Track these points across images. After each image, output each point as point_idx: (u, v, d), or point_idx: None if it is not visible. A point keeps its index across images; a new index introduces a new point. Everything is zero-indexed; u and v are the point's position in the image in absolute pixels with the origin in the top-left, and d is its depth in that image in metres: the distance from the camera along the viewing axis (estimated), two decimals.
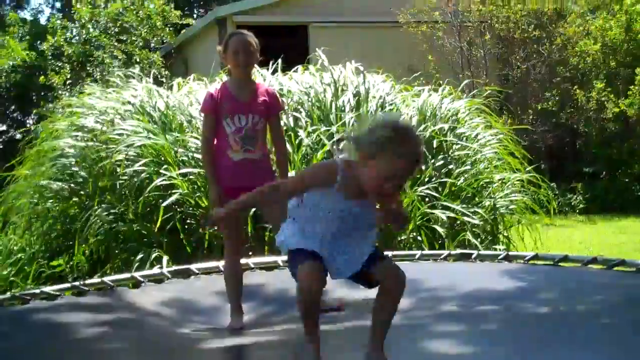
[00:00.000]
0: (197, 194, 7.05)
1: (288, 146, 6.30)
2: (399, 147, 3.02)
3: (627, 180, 14.00)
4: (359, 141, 3.07)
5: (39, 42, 18.75)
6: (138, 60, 16.15)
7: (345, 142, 3.21)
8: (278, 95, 4.86)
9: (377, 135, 3.01)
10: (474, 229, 7.14)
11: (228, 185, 4.54)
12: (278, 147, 4.79)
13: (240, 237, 4.86)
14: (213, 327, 4.58)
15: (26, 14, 31.38)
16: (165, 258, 6.72)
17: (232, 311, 4.61)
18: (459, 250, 6.16)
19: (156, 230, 6.93)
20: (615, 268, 5.35)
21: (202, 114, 4.84)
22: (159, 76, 15.14)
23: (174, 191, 6.99)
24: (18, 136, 17.57)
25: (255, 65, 8.36)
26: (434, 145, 7.79)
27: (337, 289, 4.86)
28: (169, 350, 4.15)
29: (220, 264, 5.64)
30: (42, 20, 26.46)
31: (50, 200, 8.13)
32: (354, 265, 3.25)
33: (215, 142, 4.63)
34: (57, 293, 5.20)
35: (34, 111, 16.95)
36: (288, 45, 14.05)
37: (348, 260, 3.25)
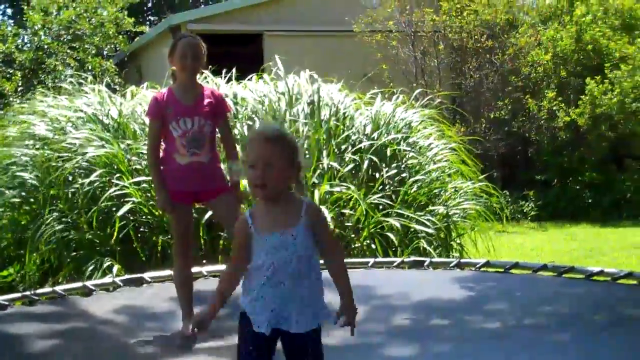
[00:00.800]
0: (151, 202, 7.00)
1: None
2: (250, 136, 3.12)
3: (577, 187, 14.21)
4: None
5: None
6: (91, 67, 16.01)
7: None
8: (224, 97, 4.84)
9: None
10: (427, 237, 7.19)
11: (176, 189, 4.53)
12: (227, 149, 4.76)
13: (190, 243, 4.83)
14: (165, 334, 4.55)
15: None
16: (116, 267, 6.66)
17: (184, 317, 4.59)
18: (412, 258, 6.19)
19: (113, 240, 6.87)
20: (565, 275, 5.44)
21: (148, 119, 4.82)
22: (112, 84, 15.04)
23: (127, 199, 6.94)
24: None
25: (209, 73, 8.43)
26: (388, 154, 7.84)
27: None
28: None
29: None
30: None
31: (1, 209, 8.01)
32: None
33: (163, 146, 4.61)
34: (7, 303, 5.12)
35: None
36: (243, 54, 14.05)
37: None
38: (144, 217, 7.03)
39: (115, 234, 6.77)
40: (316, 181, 7.26)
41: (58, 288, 5.41)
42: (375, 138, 7.88)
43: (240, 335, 3.01)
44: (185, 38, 4.65)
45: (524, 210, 13.51)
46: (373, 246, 6.95)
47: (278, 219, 2.94)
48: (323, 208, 6.78)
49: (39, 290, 5.48)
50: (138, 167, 7.33)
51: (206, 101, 4.60)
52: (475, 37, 15.17)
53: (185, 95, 4.60)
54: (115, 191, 6.96)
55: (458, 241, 7.82)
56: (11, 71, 16.42)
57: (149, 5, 28.82)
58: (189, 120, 4.52)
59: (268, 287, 2.93)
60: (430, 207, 7.67)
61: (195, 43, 4.60)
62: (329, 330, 4.41)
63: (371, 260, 5.88)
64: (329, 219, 6.65)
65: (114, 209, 6.99)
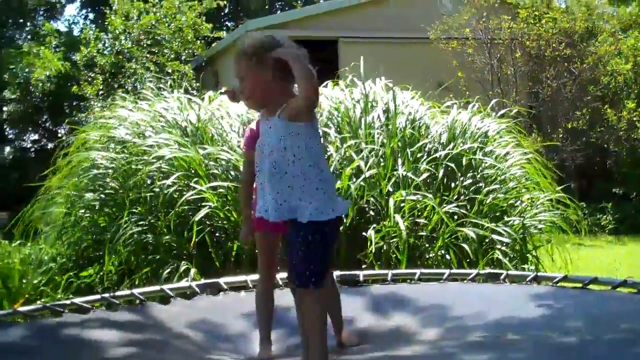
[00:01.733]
0: (227, 208, 7.09)
1: None
2: None
3: None
4: None
5: (72, 52, 18.98)
6: (170, 72, 16.30)
7: None
8: None
9: None
10: (503, 248, 7.11)
11: (260, 219, 4.45)
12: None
13: (275, 265, 4.80)
14: (241, 356, 4.55)
15: (61, 25, 31.78)
16: (192, 270, 6.75)
17: (261, 340, 4.50)
18: (487, 270, 6.12)
19: (191, 245, 6.97)
20: None
21: (244, 149, 4.80)
22: (189, 88, 15.27)
23: (204, 204, 7.04)
24: (50, 145, 17.76)
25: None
26: (463, 163, 7.78)
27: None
28: None
29: (249, 278, 5.67)
30: (76, 31, 26.72)
31: (82, 211, 8.22)
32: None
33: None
34: (88, 306, 5.22)
35: (66, 121, 17.14)
36: (318, 60, 14.07)
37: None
38: (219, 222, 7.12)
39: (194, 238, 6.86)
40: (391, 189, 7.25)
41: (136, 291, 5.49)
42: (451, 147, 7.83)
43: None
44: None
45: (602, 223, 13.24)
46: (448, 257, 6.91)
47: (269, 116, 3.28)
48: (397, 217, 6.78)
49: (118, 293, 5.58)
50: (215, 172, 7.42)
51: None
52: (554, 45, 14.96)
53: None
54: (192, 195, 7.07)
55: (534, 253, 7.71)
56: (92, 75, 16.83)
57: (226, 11, 29.17)
58: None
59: (259, 176, 3.34)
60: (506, 218, 7.59)
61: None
62: (400, 338, 4.43)
63: (446, 272, 5.83)
64: (402, 227, 6.64)
65: (191, 213, 7.09)
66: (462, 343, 4.41)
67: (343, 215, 3.21)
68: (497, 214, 7.60)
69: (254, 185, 4.36)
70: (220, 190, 7.19)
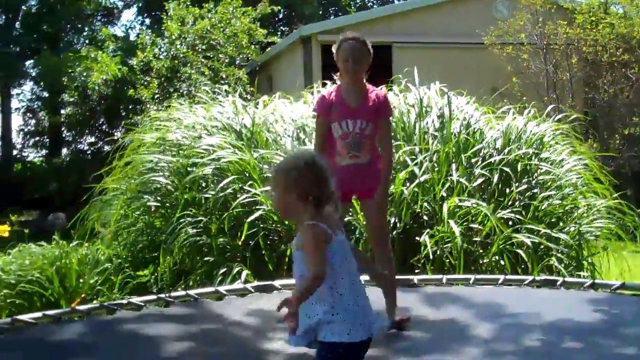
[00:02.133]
0: None
1: None
2: None
3: None
4: None
5: (129, 57, 19.25)
6: (224, 76, 16.43)
7: None
8: (388, 99, 4.78)
9: None
10: (558, 255, 7.02)
11: None
12: (384, 152, 4.69)
13: None
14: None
15: (118, 30, 32.22)
16: (245, 272, 6.80)
17: None
18: (543, 277, 6.06)
19: (241, 244, 7.03)
20: None
21: (314, 115, 4.88)
22: (243, 93, 15.39)
23: (257, 207, 7.08)
24: (106, 148, 18.03)
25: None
26: (518, 169, 7.71)
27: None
28: None
29: None
30: (132, 36, 27.10)
31: (137, 212, 8.33)
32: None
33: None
34: (143, 304, 5.31)
35: (122, 123, 17.40)
36: (371, 65, 14.07)
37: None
38: (273, 225, 7.15)
39: (243, 237, 6.90)
40: (445, 195, 7.22)
41: (191, 292, 5.57)
42: (506, 152, 7.77)
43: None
44: (348, 41, 4.63)
45: None
46: (502, 262, 6.85)
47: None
48: (451, 222, 6.74)
49: (173, 294, 5.65)
50: (269, 175, 7.46)
51: (369, 103, 4.60)
52: (611, 50, 14.72)
53: (350, 97, 4.63)
54: (246, 198, 7.12)
55: (590, 260, 7.61)
56: (148, 79, 17.06)
57: (280, 16, 29.33)
58: (350, 123, 4.56)
59: None
60: (562, 225, 7.50)
61: (357, 47, 4.61)
62: (456, 340, 4.42)
63: (501, 278, 5.79)
64: (456, 232, 6.60)
65: (245, 216, 7.14)
66: (516, 342, 4.39)
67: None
68: (553, 220, 7.51)
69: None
70: None
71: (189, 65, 16.74)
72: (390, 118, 4.94)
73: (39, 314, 5.04)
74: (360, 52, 4.60)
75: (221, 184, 7.30)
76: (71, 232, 8.84)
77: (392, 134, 5.55)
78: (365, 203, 4.78)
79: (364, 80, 4.70)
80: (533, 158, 7.94)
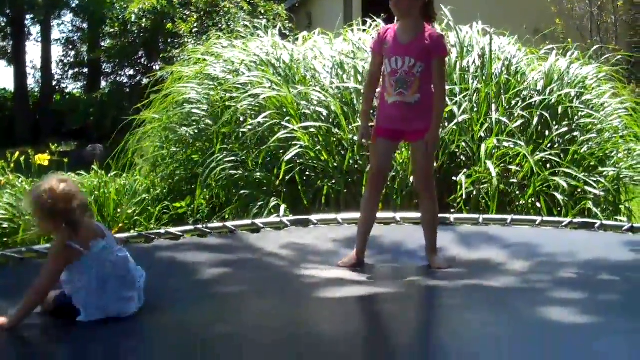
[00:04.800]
0: (317, 147, 7.13)
1: None
2: None
3: None
4: None
5: None
6: (263, 12, 16.33)
7: None
8: (442, 39, 4.67)
9: None
10: (595, 199, 6.97)
11: (381, 125, 4.64)
12: (435, 93, 4.60)
13: (385, 173, 5.00)
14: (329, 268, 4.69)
15: None
16: (282, 206, 6.84)
17: (356, 250, 4.75)
18: (581, 219, 6.03)
19: (277, 181, 7.07)
20: None
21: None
22: (282, 29, 15.30)
23: (294, 143, 7.09)
24: (145, 81, 18.10)
25: (380, 21, 8.44)
26: (559, 111, 7.62)
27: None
28: (290, 291, 4.26)
29: (339, 216, 5.75)
30: None
31: (175, 145, 8.39)
32: None
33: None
34: (180, 234, 5.39)
35: (161, 55, 17.41)
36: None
37: None
38: (310, 161, 7.17)
39: (281, 175, 6.94)
40: (483, 135, 7.17)
41: (228, 223, 5.63)
42: (547, 94, 7.67)
43: None
44: None
45: None
46: (538, 204, 6.82)
47: None
48: (488, 163, 6.72)
49: (210, 225, 5.72)
50: (307, 111, 7.45)
51: (421, 42, 4.54)
52: None
53: (403, 34, 4.59)
54: (283, 134, 7.13)
55: (627, 205, 7.55)
56: (187, 13, 17.00)
57: None
58: (399, 59, 4.53)
59: None
60: (600, 169, 7.42)
61: None
62: (493, 274, 4.44)
63: (538, 219, 5.77)
64: (493, 173, 6.58)
65: (282, 151, 7.17)
66: (552, 279, 4.41)
67: None
68: (592, 164, 7.44)
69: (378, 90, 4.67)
70: (312, 130, 7.23)
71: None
72: (445, 59, 4.84)
73: None
74: None
75: (258, 119, 7.31)
76: (110, 163, 8.94)
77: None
78: (412, 144, 4.80)
79: (419, 19, 4.60)
80: (574, 100, 7.83)
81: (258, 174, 7.27)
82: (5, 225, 7.44)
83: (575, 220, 5.77)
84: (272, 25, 10.13)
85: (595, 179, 7.06)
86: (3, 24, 27.81)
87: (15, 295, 3.67)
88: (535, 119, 7.39)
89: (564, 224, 5.67)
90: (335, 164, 7.05)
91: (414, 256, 4.95)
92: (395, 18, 4.79)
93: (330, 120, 7.39)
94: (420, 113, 4.56)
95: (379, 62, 4.66)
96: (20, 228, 7.18)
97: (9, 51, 27.93)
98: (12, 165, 8.51)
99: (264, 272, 4.63)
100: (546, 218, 5.93)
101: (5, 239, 7.31)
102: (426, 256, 4.78)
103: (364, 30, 8.94)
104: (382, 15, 8.54)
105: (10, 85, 27.80)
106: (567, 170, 6.96)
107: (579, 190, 7.05)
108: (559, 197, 6.71)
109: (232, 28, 13.23)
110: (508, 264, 4.72)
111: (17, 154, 8.83)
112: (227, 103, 7.88)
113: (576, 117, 7.76)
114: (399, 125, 4.59)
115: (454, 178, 6.92)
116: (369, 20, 9.01)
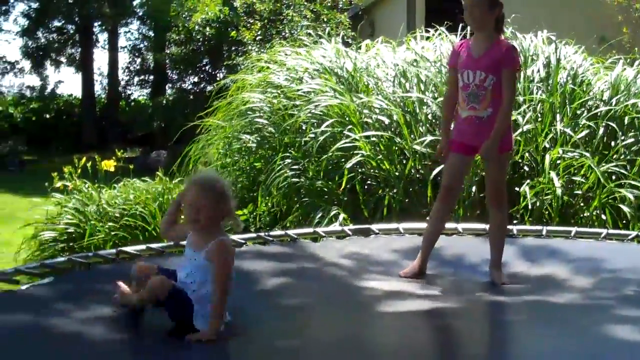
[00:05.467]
0: (379, 157, 7.13)
1: None
2: None
3: None
4: None
5: None
6: (326, 20, 16.39)
7: None
8: (513, 52, 4.58)
9: None
10: None
11: (455, 139, 4.64)
12: (501, 105, 4.48)
13: (457, 189, 4.94)
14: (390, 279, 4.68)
15: None
16: (342, 215, 6.85)
17: (420, 258, 4.74)
18: None
19: (340, 190, 7.08)
20: None
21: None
22: (345, 37, 15.35)
23: (356, 152, 7.10)
24: (209, 88, 18.32)
25: (443, 29, 8.39)
26: (625, 122, 7.49)
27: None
28: (353, 303, 4.26)
29: (401, 226, 5.73)
30: None
31: (238, 152, 8.47)
32: None
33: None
34: (243, 241, 5.43)
35: (224, 63, 17.59)
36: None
37: None
38: (371, 170, 7.17)
39: (343, 184, 6.96)
40: (547, 146, 7.09)
41: (290, 232, 5.65)
42: (614, 104, 7.54)
43: None
44: None
45: None
46: (603, 217, 6.71)
47: None
48: (552, 173, 6.63)
49: (272, 233, 5.75)
50: (369, 120, 7.46)
51: (492, 55, 4.49)
52: None
53: (476, 47, 4.57)
54: (345, 143, 7.14)
55: None
56: (251, 21, 17.17)
57: None
58: (471, 73, 4.50)
59: None
60: None
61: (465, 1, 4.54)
62: (556, 290, 4.38)
63: (603, 232, 5.67)
64: (557, 184, 6.50)
65: (343, 160, 7.18)
66: (617, 295, 4.32)
67: None
68: None
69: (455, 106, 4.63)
70: (373, 139, 7.23)
71: (292, 7, 16.74)
72: (515, 72, 4.67)
73: (142, 247, 5.19)
74: (470, 5, 4.50)
75: (321, 128, 7.34)
76: (173, 169, 9.05)
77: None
78: (484, 158, 4.77)
79: (493, 32, 4.54)
80: None
81: (319, 182, 7.29)
82: (72, 229, 7.60)
83: None
84: (335, 34, 10.15)
85: None
86: (72, 32, 28.44)
87: (80, 300, 3.72)
88: (601, 130, 7.27)
89: (629, 237, 5.56)
90: (397, 173, 7.04)
91: (475, 269, 4.91)
92: (469, 30, 4.79)
93: (392, 129, 7.38)
94: (492, 127, 4.48)
95: (454, 77, 4.63)
96: (86, 233, 7.32)
97: (77, 58, 28.55)
98: (79, 170, 8.69)
99: (325, 282, 4.63)
100: (611, 231, 5.81)
101: (71, 244, 7.47)
102: (489, 270, 4.72)
103: (427, 39, 8.92)
104: (446, 23, 8.52)
105: (78, 92, 28.44)
106: (633, 182, 6.84)
107: None
108: (625, 209, 6.59)
109: (295, 36, 13.28)
110: (571, 280, 4.64)
111: (83, 159, 9.02)
112: (289, 111, 7.93)
113: None
114: (471, 139, 4.55)
115: (517, 189, 6.84)
116: (431, 30, 8.98)
